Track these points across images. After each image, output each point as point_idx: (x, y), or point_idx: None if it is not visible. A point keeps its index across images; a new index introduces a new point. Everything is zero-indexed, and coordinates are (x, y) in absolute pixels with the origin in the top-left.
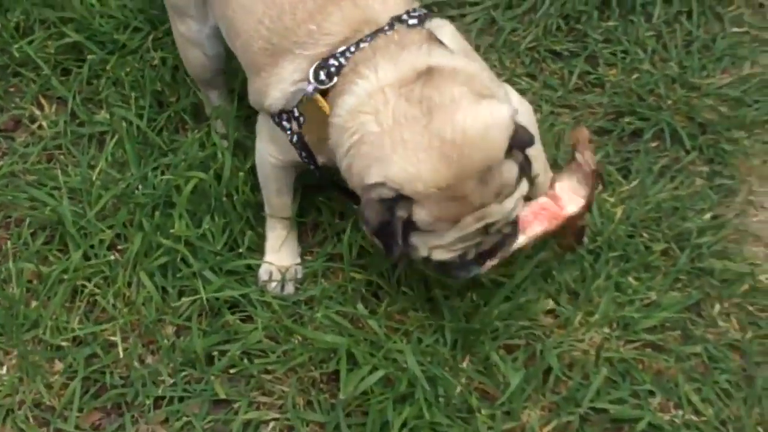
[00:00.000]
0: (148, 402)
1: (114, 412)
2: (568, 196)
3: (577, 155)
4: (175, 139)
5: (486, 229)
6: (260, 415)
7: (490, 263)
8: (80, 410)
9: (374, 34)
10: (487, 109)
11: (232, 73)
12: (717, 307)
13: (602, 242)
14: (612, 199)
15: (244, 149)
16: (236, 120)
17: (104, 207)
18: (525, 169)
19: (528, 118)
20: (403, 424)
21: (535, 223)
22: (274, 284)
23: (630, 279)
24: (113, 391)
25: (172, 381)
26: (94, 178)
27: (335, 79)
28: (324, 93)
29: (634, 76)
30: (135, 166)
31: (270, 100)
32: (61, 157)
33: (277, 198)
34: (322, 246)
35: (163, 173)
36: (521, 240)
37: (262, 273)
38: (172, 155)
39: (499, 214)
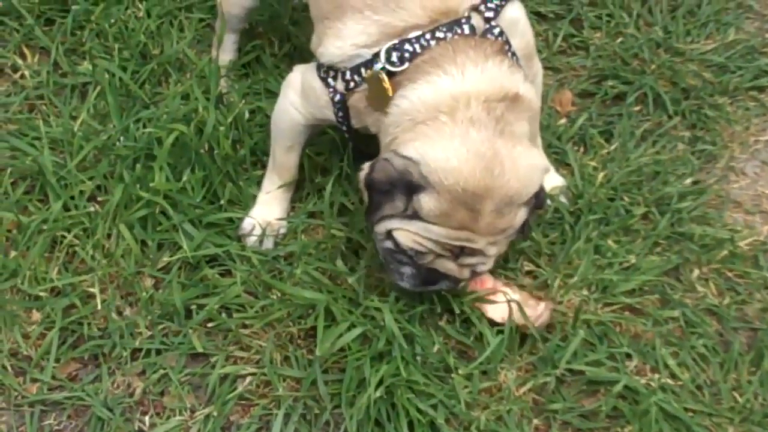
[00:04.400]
0: (125, 354)
1: (91, 363)
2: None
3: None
4: (157, 92)
5: (461, 250)
6: (237, 370)
7: (430, 288)
8: (57, 360)
9: (451, 27)
10: (537, 156)
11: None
12: (696, 272)
13: (583, 205)
14: (593, 163)
15: (226, 103)
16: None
17: (85, 158)
18: (523, 228)
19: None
20: (380, 382)
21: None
22: (253, 238)
23: (609, 242)
24: (90, 342)
25: (149, 333)
26: (75, 129)
27: (406, 65)
28: (390, 74)
29: (619, 39)
30: (117, 118)
31: (325, 51)
32: (43, 107)
33: (285, 154)
34: (304, 202)
35: (144, 126)
36: None
37: (245, 225)
38: (154, 108)
39: (483, 246)
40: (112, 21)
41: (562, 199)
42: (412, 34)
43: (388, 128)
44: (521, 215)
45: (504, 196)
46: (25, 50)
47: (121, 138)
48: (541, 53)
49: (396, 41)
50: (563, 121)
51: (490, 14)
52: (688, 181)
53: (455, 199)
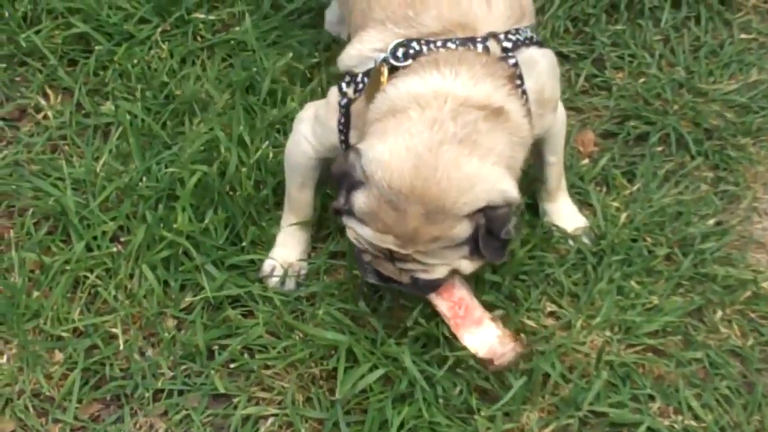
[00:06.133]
0: (147, 394)
1: (113, 403)
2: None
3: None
4: (179, 131)
5: (391, 254)
6: (259, 411)
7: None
8: (79, 401)
9: (464, 42)
10: (494, 175)
11: None
12: (719, 313)
13: (605, 245)
14: (616, 203)
15: (246, 145)
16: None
17: (107, 198)
18: (474, 249)
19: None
20: (402, 423)
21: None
22: (275, 279)
23: (632, 283)
24: (113, 383)
25: (171, 374)
26: (98, 169)
27: (409, 62)
28: (393, 69)
29: (641, 80)
30: (138, 159)
31: (344, 55)
32: (66, 147)
33: (299, 191)
34: (326, 242)
35: (166, 166)
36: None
37: (266, 267)
38: (176, 147)
39: (412, 253)
40: (135, 61)
41: (585, 239)
42: (425, 38)
43: (369, 120)
44: (462, 229)
45: (433, 202)
46: (48, 91)
47: (144, 178)
48: (563, 93)
49: (405, 39)
50: (586, 161)
51: (508, 44)
52: (711, 221)
53: (382, 197)
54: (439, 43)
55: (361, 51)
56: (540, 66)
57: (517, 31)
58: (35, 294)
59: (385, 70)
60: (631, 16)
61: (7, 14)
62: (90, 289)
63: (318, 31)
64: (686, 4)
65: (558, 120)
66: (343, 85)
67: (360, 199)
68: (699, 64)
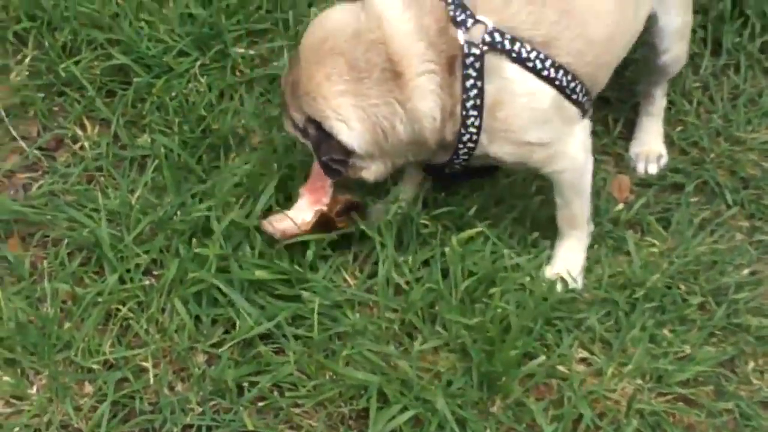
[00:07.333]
0: (176, 429)
1: None
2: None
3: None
4: (215, 165)
5: None
6: None
7: None
8: None
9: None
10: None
11: None
12: (751, 363)
13: (639, 293)
14: (652, 249)
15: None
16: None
17: (142, 231)
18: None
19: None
20: None
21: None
22: None
23: (665, 331)
24: (142, 417)
25: (200, 410)
26: (133, 201)
27: None
28: None
29: (679, 128)
30: (173, 192)
31: None
32: (102, 179)
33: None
34: (362, 272)
35: (201, 200)
36: None
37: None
38: (211, 181)
39: None
40: (173, 94)
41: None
42: None
43: None
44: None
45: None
46: (86, 121)
47: (178, 212)
48: (601, 139)
49: None
50: (620, 206)
51: (489, 39)
52: (746, 271)
53: None
54: None
55: None
56: (512, 91)
57: (521, 44)
58: (67, 325)
59: None
60: None
61: (47, 44)
62: (122, 322)
63: None
64: (726, 51)
65: (564, 165)
66: None
67: None
68: (737, 112)
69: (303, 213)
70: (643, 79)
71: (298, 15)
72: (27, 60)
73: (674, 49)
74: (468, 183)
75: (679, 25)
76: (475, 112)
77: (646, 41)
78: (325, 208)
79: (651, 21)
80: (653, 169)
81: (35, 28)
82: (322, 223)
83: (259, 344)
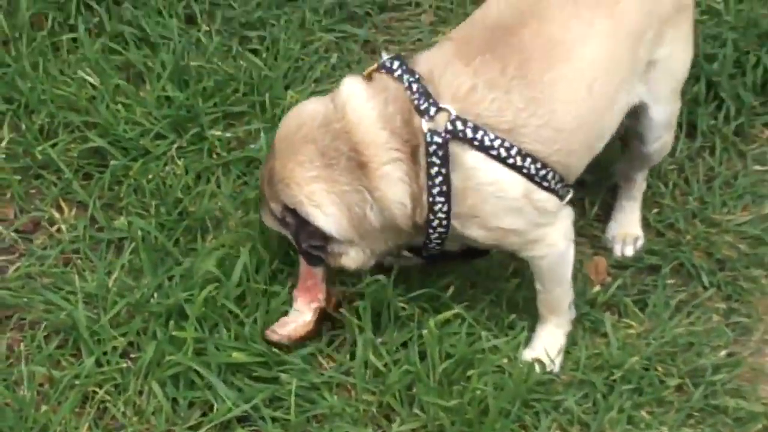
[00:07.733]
0: None
1: None
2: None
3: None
4: (192, 248)
5: None
6: None
7: None
8: None
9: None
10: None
11: None
12: None
13: (617, 375)
14: (629, 331)
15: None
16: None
17: (119, 314)
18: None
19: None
20: None
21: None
22: None
23: (643, 413)
24: None
25: None
26: (110, 284)
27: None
28: None
29: (655, 210)
30: (150, 275)
31: None
32: (79, 261)
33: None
34: (339, 353)
35: (177, 283)
36: None
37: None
38: (187, 263)
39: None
40: (150, 177)
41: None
42: None
43: None
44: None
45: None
46: (63, 204)
47: (155, 294)
48: (576, 221)
49: None
50: (597, 288)
51: (452, 128)
52: (723, 353)
53: None
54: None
55: None
56: (477, 179)
57: (484, 132)
58: (44, 408)
59: None
60: None
61: (24, 126)
62: (99, 405)
63: None
64: (701, 134)
65: (542, 252)
66: None
67: None
68: (713, 194)
69: (302, 314)
70: (626, 165)
71: (275, 98)
72: (3, 143)
73: (663, 138)
74: (452, 264)
75: (669, 114)
76: (442, 198)
77: (635, 131)
78: (323, 304)
79: (640, 112)
80: (630, 251)
81: (12, 111)
82: (323, 319)
83: (236, 427)
